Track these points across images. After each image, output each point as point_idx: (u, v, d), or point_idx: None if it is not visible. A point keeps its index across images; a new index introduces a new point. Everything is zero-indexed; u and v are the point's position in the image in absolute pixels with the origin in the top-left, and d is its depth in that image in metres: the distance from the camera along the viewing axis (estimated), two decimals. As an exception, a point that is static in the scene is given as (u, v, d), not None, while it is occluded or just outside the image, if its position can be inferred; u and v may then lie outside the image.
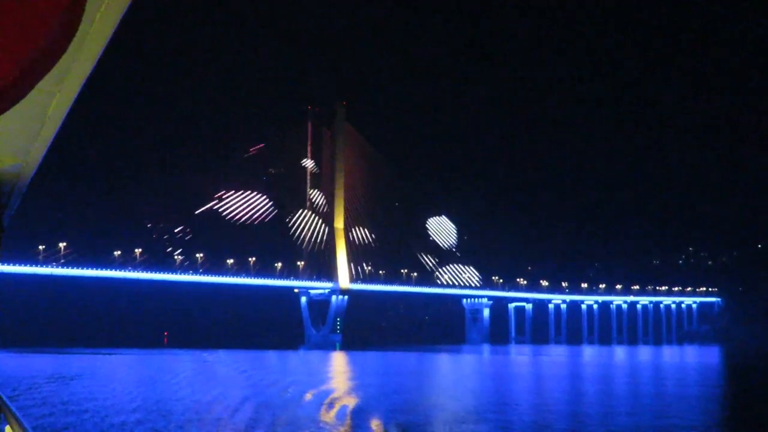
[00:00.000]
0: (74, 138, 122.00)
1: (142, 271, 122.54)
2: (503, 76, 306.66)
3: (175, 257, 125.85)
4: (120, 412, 39.17)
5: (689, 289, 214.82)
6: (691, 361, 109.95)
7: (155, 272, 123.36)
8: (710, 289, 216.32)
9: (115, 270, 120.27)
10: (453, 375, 75.46)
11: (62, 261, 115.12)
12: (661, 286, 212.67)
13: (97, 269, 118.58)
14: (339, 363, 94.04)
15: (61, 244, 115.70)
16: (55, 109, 4.82)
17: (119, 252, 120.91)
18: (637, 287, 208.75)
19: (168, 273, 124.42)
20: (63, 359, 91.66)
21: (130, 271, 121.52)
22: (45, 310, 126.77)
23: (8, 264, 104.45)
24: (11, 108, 2.21)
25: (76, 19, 2.14)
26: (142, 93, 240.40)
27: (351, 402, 44.05)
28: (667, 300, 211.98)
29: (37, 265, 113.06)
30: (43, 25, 2.03)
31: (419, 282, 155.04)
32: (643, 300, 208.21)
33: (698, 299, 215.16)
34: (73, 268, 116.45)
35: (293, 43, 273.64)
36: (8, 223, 8.68)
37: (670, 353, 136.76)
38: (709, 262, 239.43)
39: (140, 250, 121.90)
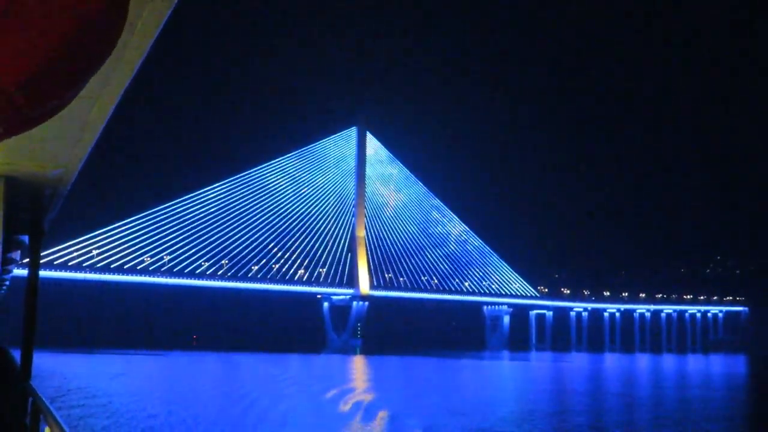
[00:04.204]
0: (107, 144, 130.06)
1: (171, 277, 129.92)
2: (525, 81, 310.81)
3: (202, 263, 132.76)
4: (172, 409, 43.94)
5: (715, 297, 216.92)
6: (716, 369, 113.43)
7: (183, 278, 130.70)
8: (737, 298, 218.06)
9: (146, 276, 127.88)
10: (480, 382, 79.76)
11: (96, 266, 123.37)
12: (686, 295, 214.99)
13: (127, 275, 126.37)
14: (365, 368, 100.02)
15: (95, 251, 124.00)
16: (95, 116, 4.96)
17: (149, 258, 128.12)
18: (661, 295, 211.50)
19: (195, 279, 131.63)
20: (99, 359, 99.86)
21: (159, 277, 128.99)
22: (77, 313, 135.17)
23: (46, 270, 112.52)
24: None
25: (118, 28, 2.20)
26: (175, 100, 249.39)
27: (391, 408, 46.06)
28: (692, 309, 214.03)
29: (70, 271, 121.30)
30: (86, 35, 2.08)
31: (439, 289, 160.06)
32: (667, 308, 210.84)
33: (724, 308, 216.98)
34: (104, 273, 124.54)
35: (311, 52, 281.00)
36: (49, 227, 9.42)
37: (695, 362, 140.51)
38: (737, 271, 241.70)
39: (170, 256, 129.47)
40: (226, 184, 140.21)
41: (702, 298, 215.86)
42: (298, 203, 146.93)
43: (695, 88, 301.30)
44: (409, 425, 37.43)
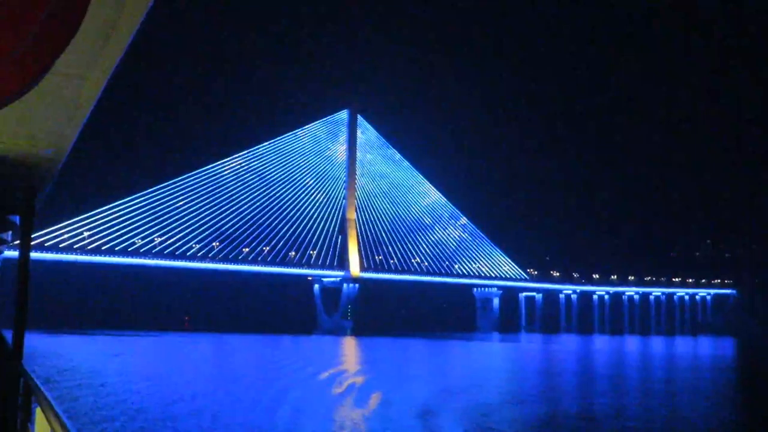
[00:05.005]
0: (98, 124, 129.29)
1: (162, 259, 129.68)
2: (518, 67, 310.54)
3: (193, 245, 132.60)
4: (166, 389, 44.85)
5: (704, 281, 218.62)
6: (704, 351, 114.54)
7: (174, 260, 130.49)
8: (725, 282, 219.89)
9: (137, 258, 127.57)
10: (471, 363, 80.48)
11: (88, 248, 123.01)
12: (675, 278, 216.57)
13: (118, 257, 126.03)
14: (356, 349, 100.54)
15: (86, 232, 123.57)
16: (86, 94, 4.91)
17: (139, 240, 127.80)
18: (650, 278, 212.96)
19: (187, 261, 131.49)
20: (91, 340, 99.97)
21: (150, 258, 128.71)
22: (69, 295, 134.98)
23: (37, 252, 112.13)
24: (34, 89, 2.33)
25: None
26: (168, 81, 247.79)
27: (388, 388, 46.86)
28: (680, 291, 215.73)
29: (61, 252, 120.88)
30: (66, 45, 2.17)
31: (429, 272, 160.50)
32: (656, 291, 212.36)
33: (713, 291, 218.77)
34: (95, 255, 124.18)
35: (302, 34, 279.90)
36: (40, 207, 9.18)
37: (683, 344, 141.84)
38: (726, 255, 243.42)
39: (161, 238, 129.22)
40: (218, 167, 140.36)
41: (690, 281, 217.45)
42: (289, 186, 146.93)
43: (690, 75, 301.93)
44: (403, 406, 37.60)
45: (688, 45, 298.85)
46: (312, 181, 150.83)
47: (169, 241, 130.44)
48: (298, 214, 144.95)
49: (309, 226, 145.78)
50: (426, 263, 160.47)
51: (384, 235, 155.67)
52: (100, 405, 35.23)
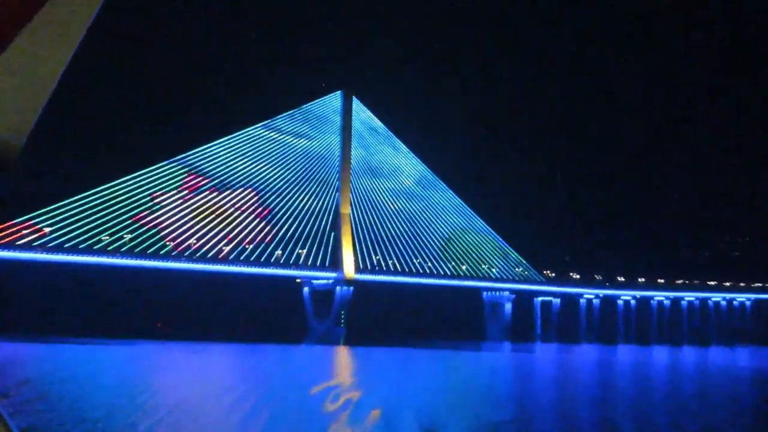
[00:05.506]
0: (60, 111, 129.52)
1: (132, 258, 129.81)
2: (527, 59, 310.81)
3: (167, 243, 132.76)
4: (141, 402, 45.32)
5: (742, 284, 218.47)
6: (742, 363, 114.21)
7: (146, 259, 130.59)
8: (766, 285, 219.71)
9: (104, 257, 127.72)
10: (478, 378, 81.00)
11: (48, 246, 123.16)
12: (710, 281, 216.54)
13: (84, 255, 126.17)
14: (351, 360, 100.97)
15: (46, 228, 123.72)
16: (49, 72, 5.04)
17: (107, 237, 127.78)
18: (682, 281, 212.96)
19: (160, 260, 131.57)
20: (54, 349, 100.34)
21: (118, 258, 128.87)
22: (28, 298, 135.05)
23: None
24: None
25: None
26: (144, 63, 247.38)
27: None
28: (716, 296, 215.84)
29: (19, 251, 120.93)
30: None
31: (433, 273, 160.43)
32: (689, 296, 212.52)
33: (752, 296, 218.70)
34: (58, 254, 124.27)
35: (298, 22, 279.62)
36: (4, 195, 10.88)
37: (718, 355, 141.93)
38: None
39: (131, 235, 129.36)
40: (197, 154, 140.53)
41: (727, 284, 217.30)
42: (276, 176, 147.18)
43: (690, 75, 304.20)
44: (402, 427, 38.17)
45: (688, 45, 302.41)
46: (302, 170, 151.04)
47: (140, 239, 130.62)
48: (285, 209, 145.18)
49: (298, 221, 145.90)
50: (429, 264, 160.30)
51: (382, 232, 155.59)
52: (62, 420, 35.78)
